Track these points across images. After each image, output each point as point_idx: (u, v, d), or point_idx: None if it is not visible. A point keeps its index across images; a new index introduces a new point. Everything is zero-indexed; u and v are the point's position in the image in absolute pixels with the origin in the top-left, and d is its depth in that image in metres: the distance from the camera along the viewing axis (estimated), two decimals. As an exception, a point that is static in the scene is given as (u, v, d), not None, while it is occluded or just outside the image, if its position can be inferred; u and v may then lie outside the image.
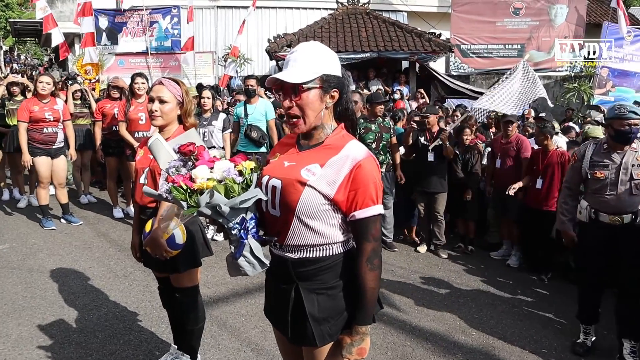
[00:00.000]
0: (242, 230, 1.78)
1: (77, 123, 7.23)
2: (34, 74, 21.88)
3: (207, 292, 4.46)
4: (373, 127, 5.87)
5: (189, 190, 1.73)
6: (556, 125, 5.92)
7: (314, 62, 1.79)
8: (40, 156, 6.11)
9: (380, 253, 1.84)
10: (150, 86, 4.12)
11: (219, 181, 1.73)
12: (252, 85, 6.19)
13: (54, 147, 6.19)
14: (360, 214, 1.77)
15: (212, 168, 1.76)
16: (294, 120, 1.81)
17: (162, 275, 3.12)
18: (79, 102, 7.66)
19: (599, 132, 5.55)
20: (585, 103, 13.57)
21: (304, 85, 1.77)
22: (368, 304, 1.81)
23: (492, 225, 6.36)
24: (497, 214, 6.19)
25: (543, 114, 6.16)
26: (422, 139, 5.99)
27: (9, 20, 24.97)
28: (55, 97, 6.31)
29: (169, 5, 14.88)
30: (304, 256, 1.83)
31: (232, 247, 1.82)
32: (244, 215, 1.77)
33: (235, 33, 14.33)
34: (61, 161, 6.32)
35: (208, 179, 1.72)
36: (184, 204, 1.73)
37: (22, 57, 41.41)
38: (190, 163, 1.82)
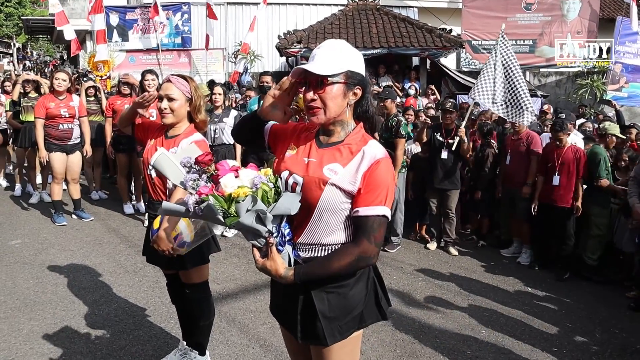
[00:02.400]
0: (279, 236, 1.73)
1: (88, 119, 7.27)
2: (46, 70, 22.08)
3: (216, 288, 4.47)
4: None
5: (229, 198, 1.63)
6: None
7: (340, 57, 1.78)
8: (56, 152, 6.16)
9: (372, 262, 1.79)
10: (160, 83, 4.12)
11: (250, 188, 1.67)
12: (267, 82, 6.14)
13: (69, 143, 6.24)
14: (364, 210, 1.73)
15: (236, 177, 1.68)
16: (314, 109, 1.78)
17: (170, 272, 3.13)
18: (92, 98, 7.71)
19: (616, 129, 5.48)
20: (598, 100, 13.42)
21: (329, 78, 1.75)
22: (320, 269, 1.76)
23: (502, 223, 6.30)
24: (504, 211, 6.14)
25: (563, 115, 6.10)
26: (437, 135, 5.95)
27: (22, 17, 25.19)
28: (71, 93, 6.35)
29: (180, 1, 14.92)
30: (316, 255, 1.81)
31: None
32: (279, 221, 1.73)
33: (246, 29, 14.33)
34: (76, 157, 6.37)
35: (239, 187, 1.65)
36: (220, 216, 1.63)
37: (35, 54, 41.81)
38: (204, 175, 1.74)
